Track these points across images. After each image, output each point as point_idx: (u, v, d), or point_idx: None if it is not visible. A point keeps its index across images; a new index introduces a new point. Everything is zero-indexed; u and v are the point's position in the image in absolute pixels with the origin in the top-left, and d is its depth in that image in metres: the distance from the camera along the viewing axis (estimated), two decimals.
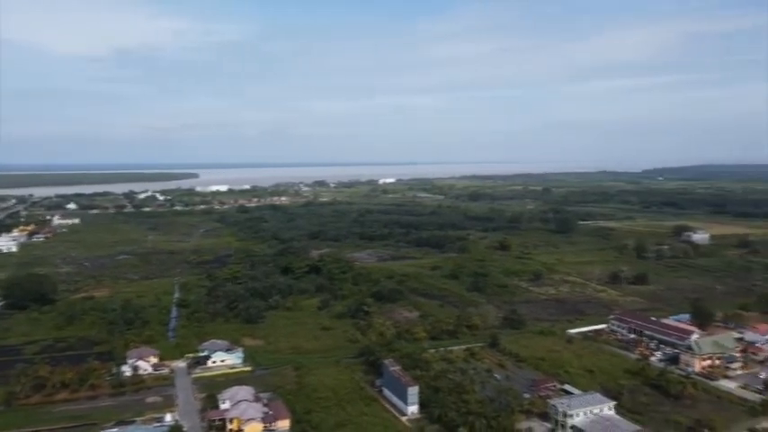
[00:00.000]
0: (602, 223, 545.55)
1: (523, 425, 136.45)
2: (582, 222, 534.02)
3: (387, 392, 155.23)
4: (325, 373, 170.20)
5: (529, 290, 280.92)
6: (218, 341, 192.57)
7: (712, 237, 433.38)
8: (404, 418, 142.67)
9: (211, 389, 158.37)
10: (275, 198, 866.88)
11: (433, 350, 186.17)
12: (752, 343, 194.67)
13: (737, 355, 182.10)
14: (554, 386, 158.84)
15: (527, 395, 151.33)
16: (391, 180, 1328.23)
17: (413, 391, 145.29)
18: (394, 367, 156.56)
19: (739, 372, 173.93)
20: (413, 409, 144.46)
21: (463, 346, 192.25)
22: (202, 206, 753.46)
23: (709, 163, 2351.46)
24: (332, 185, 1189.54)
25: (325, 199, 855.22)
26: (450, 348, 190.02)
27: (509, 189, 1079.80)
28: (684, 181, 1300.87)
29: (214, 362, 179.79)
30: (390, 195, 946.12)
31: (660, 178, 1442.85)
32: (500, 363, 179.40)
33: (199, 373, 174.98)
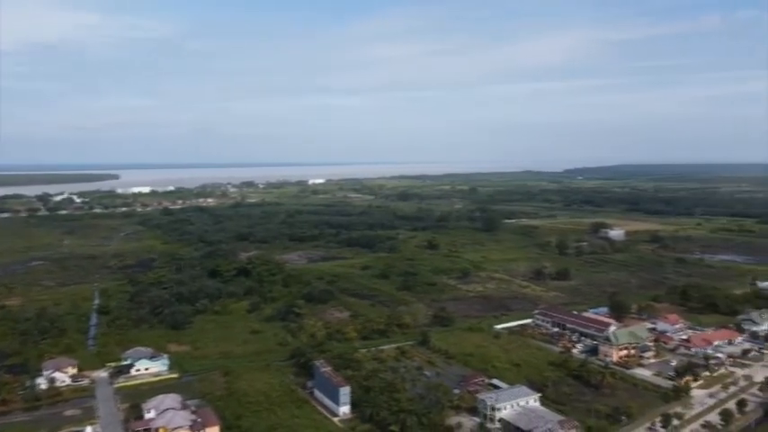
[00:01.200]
0: (526, 221, 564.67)
1: (453, 420, 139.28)
2: (507, 221, 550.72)
3: (318, 394, 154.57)
4: (256, 377, 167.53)
5: (457, 287, 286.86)
6: (142, 348, 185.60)
7: (627, 233, 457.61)
8: (336, 419, 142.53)
9: (135, 398, 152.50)
10: (201, 200, 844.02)
11: (364, 350, 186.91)
12: (663, 332, 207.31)
13: (650, 344, 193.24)
14: (482, 381, 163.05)
15: (456, 391, 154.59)
16: (321, 180, 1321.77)
17: (344, 392, 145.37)
18: (325, 368, 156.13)
19: (652, 360, 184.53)
20: (344, 409, 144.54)
21: (394, 345, 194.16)
22: (123, 208, 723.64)
23: (624, 163, 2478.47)
24: (260, 186, 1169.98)
25: (253, 200, 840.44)
26: (381, 348, 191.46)
27: (437, 189, 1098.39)
28: (602, 180, 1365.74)
29: (138, 370, 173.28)
30: (320, 196, 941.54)
31: (580, 178, 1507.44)
32: (430, 360, 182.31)
33: (122, 382, 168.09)
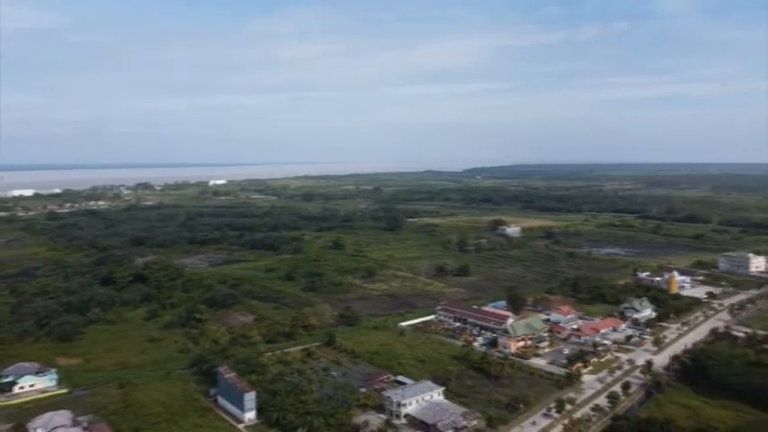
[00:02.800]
0: (428, 220, 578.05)
1: (360, 418, 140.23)
2: (410, 219, 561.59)
3: (222, 401, 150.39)
4: (155, 388, 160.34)
5: (362, 287, 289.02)
6: (26, 364, 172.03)
7: (523, 230, 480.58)
8: (241, 426, 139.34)
9: (20, 418, 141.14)
10: (92, 202, 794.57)
11: (269, 353, 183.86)
12: (556, 323, 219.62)
13: (545, 334, 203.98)
14: (388, 378, 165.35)
15: (363, 389, 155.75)
16: (222, 181, 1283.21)
17: (249, 397, 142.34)
18: (229, 374, 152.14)
19: (547, 349, 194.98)
20: (250, 415, 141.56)
21: (300, 347, 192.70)
22: (3, 213, 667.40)
23: (520, 163, 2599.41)
24: (157, 188, 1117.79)
25: (149, 202, 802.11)
26: (286, 350, 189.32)
27: (342, 189, 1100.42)
28: (499, 179, 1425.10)
29: (22, 387, 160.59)
30: (222, 197, 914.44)
31: (479, 177, 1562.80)
32: (336, 360, 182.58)
33: (3, 401, 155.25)
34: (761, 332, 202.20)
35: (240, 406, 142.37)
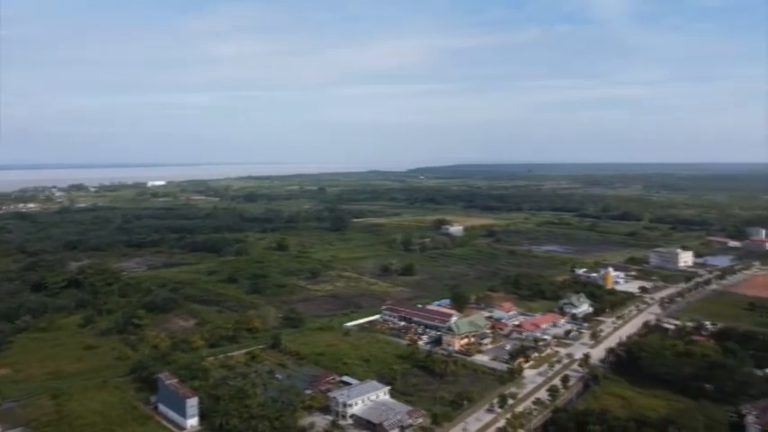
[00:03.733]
0: (373, 220, 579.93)
1: (306, 420, 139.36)
2: (355, 220, 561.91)
3: (163, 408, 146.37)
4: (91, 397, 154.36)
5: (307, 288, 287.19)
6: None
7: (465, 228, 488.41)
8: None
9: None
10: (21, 205, 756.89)
11: (212, 358, 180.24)
12: (499, 320, 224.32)
13: (488, 331, 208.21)
14: (333, 379, 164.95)
15: (308, 391, 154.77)
16: (161, 182, 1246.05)
17: (191, 403, 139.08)
18: (170, 381, 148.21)
19: (490, 346, 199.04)
20: (192, 422, 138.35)
21: (244, 350, 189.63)
22: None
23: (462, 163, 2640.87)
24: (92, 189, 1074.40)
25: (83, 204, 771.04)
26: (230, 354, 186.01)
27: (286, 189, 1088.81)
28: (442, 179, 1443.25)
29: None
30: (161, 199, 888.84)
31: (422, 177, 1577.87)
32: (281, 362, 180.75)
33: None
34: (689, 324, 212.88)
35: (182, 412, 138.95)
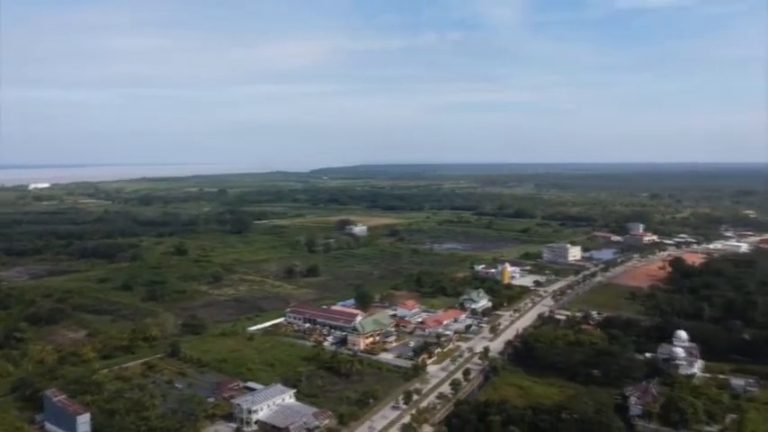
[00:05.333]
0: (276, 221, 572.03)
1: (209, 429, 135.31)
2: (258, 222, 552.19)
3: (51, 427, 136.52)
4: None
5: (208, 293, 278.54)
6: None
7: (369, 228, 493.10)
8: None
9: None
10: None
11: (105, 370, 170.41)
12: (402, 317, 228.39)
13: (392, 329, 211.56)
14: (237, 385, 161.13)
15: (211, 399, 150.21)
16: (45, 185, 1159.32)
17: (83, 420, 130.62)
18: (58, 397, 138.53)
19: (394, 344, 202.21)
20: None
21: (140, 361, 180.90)
22: None
23: (365, 163, 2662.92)
24: None
25: None
26: (125, 365, 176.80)
27: (184, 191, 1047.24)
28: (345, 179, 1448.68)
29: None
30: (45, 202, 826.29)
31: (325, 177, 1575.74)
32: (181, 371, 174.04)
33: None
34: (578, 314, 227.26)
35: (72, 430, 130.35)
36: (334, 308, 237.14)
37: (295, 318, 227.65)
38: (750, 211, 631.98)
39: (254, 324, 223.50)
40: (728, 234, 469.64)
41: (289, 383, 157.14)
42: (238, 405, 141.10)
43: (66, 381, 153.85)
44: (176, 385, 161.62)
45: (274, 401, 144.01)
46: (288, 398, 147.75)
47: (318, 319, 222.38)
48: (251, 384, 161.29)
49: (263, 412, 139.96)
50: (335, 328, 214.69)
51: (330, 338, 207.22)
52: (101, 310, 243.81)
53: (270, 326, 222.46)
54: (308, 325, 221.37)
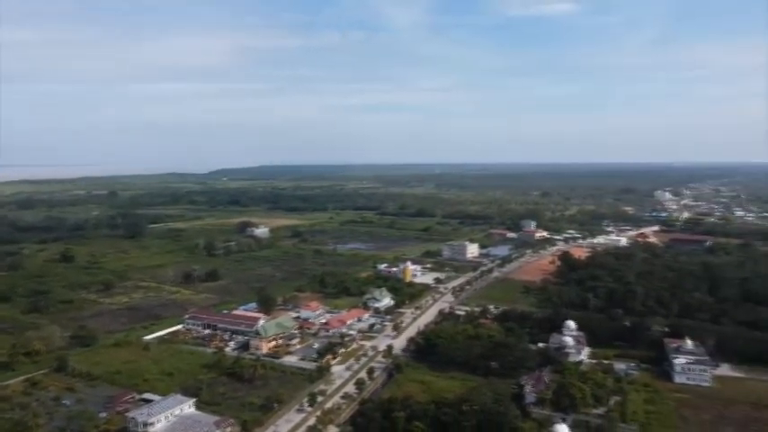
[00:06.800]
0: (172, 224, 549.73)
1: None
2: (153, 225, 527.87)
3: None
4: None
5: (99, 301, 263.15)
6: None
7: (271, 230, 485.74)
8: None
9: None
10: None
11: None
12: (306, 319, 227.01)
13: (296, 332, 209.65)
14: (132, 398, 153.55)
15: (103, 414, 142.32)
16: None
17: None
18: None
19: (298, 346, 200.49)
20: None
21: (22, 378, 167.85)
22: None
23: (266, 164, 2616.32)
24: None
25: None
26: (5, 383, 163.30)
27: (71, 194, 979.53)
28: (246, 181, 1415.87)
29: None
30: None
31: (225, 179, 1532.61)
32: (70, 386, 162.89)
33: None
34: (477, 309, 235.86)
35: None
36: (235, 312, 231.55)
37: (194, 324, 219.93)
38: (629, 208, 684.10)
39: (151, 332, 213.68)
40: (610, 229, 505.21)
41: (188, 393, 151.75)
42: (133, 418, 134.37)
43: None
44: (64, 402, 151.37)
45: (173, 413, 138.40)
46: (187, 408, 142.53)
47: (219, 325, 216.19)
48: (147, 396, 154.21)
49: (160, 425, 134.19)
50: (237, 333, 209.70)
51: (232, 344, 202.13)
52: None
53: (167, 334, 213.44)
54: (208, 331, 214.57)
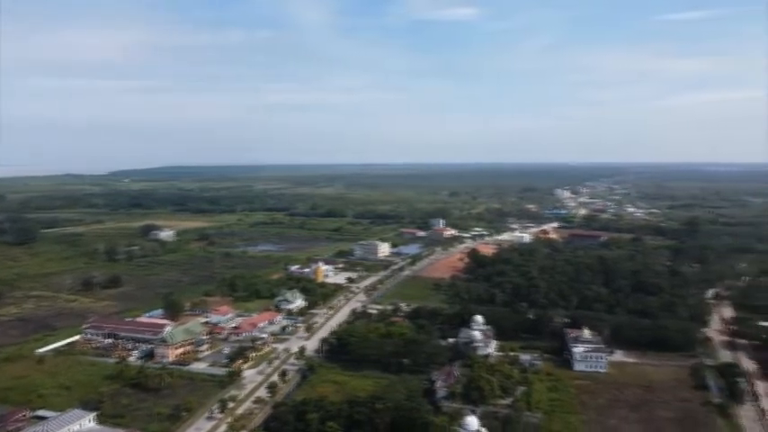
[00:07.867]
0: (69, 229, 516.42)
1: None
2: (46, 230, 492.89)
3: None
4: None
5: None
6: None
7: (177, 232, 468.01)
8: None
9: None
10: None
11: None
12: (216, 324, 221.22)
13: (205, 337, 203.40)
14: (25, 416, 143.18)
15: None
16: None
17: None
18: None
19: (208, 352, 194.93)
20: None
21: None
22: None
23: (171, 165, 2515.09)
24: None
25: None
26: None
27: None
28: (149, 182, 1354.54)
29: None
30: None
31: (126, 180, 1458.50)
32: None
33: None
34: (389, 307, 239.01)
35: None
36: (139, 320, 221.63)
37: (94, 334, 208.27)
38: (532, 206, 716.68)
39: (45, 344, 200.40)
40: (514, 226, 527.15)
41: (89, 406, 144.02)
42: None
43: None
44: None
45: (71, 428, 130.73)
46: (87, 422, 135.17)
47: (122, 333, 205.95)
48: (41, 413, 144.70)
49: None
50: (142, 341, 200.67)
51: (136, 353, 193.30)
52: None
53: (64, 345, 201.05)
54: (109, 340, 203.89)
